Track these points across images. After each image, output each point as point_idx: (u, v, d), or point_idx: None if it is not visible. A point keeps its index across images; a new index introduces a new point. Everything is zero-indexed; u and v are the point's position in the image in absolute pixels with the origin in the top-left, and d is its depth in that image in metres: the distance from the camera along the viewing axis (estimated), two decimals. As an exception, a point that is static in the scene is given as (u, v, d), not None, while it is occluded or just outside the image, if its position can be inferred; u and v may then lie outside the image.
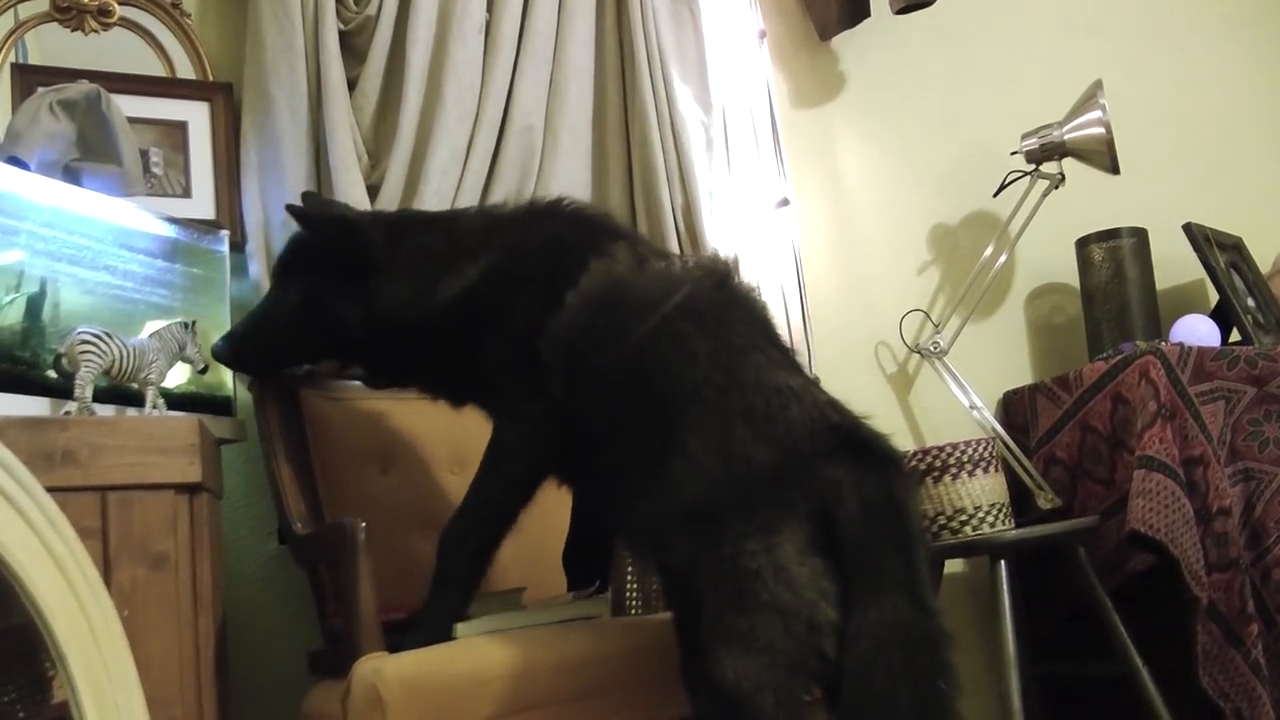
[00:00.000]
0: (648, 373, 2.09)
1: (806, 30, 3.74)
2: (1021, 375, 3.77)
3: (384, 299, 2.38)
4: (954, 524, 3.04)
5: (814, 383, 2.19)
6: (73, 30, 3.01)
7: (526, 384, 2.25)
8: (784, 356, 2.18)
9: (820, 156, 3.72)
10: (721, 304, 2.20)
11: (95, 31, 3.03)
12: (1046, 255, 3.82)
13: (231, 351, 2.51)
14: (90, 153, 2.66)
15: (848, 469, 1.89)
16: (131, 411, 2.35)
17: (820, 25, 3.69)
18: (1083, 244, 3.67)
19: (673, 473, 1.96)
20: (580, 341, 2.20)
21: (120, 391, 2.36)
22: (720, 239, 3.16)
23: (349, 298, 2.40)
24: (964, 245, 3.78)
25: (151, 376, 2.34)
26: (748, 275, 2.37)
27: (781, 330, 3.18)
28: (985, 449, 3.08)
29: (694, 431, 1.97)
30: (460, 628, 2.23)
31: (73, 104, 2.67)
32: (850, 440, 1.95)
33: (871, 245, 3.71)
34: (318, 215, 2.48)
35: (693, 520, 1.90)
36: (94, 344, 2.23)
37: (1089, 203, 3.71)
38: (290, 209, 2.48)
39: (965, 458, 3.05)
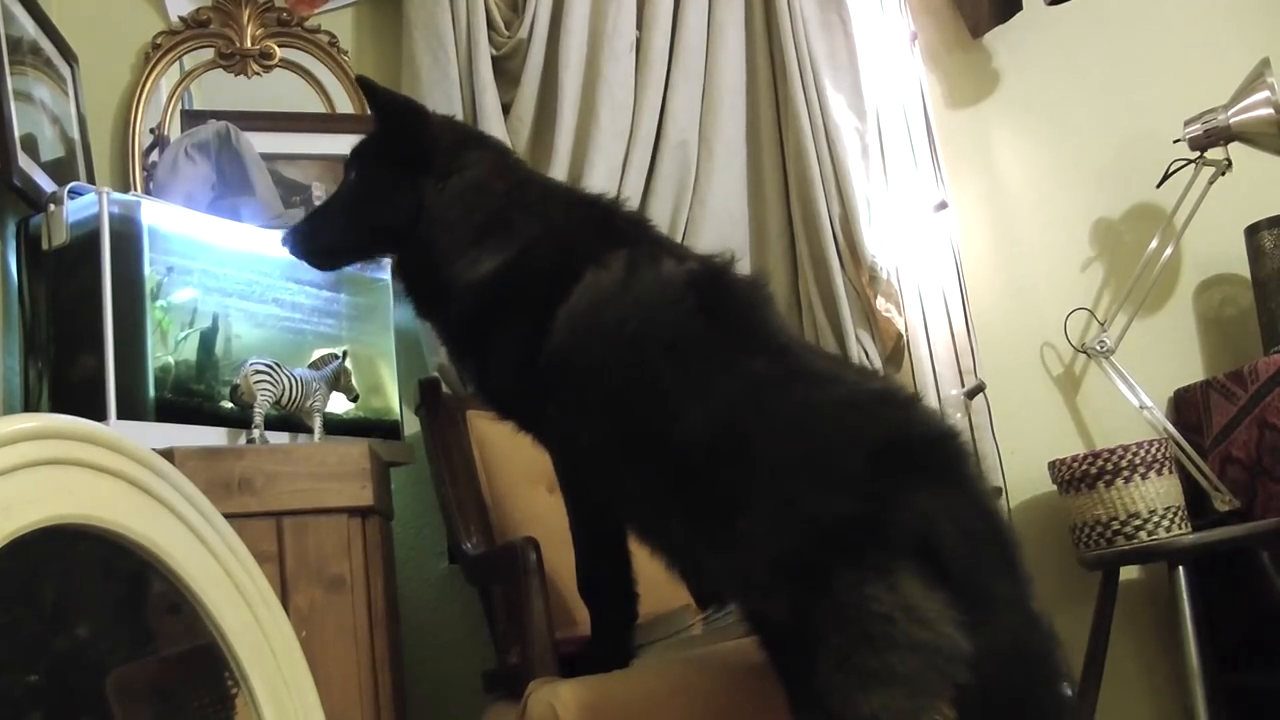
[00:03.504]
0: (650, 425, 1.91)
1: (958, 29, 3.68)
2: (1193, 372, 3.64)
3: (432, 211, 2.16)
4: (1128, 529, 2.96)
5: (844, 370, 2.06)
6: (236, 75, 3.12)
7: (535, 409, 2.11)
8: (796, 362, 1.96)
9: (977, 156, 3.65)
10: (706, 336, 1.96)
11: (258, 74, 3.13)
12: (1214, 245, 3.68)
13: (293, 241, 2.32)
14: (228, 187, 2.75)
15: (931, 495, 1.78)
16: (302, 439, 2.42)
17: (972, 23, 3.64)
18: (1252, 231, 3.53)
19: (743, 528, 1.81)
20: (566, 369, 2.00)
21: (285, 420, 2.42)
22: (879, 246, 3.12)
23: (402, 190, 2.19)
24: (1128, 239, 3.68)
25: (317, 405, 2.41)
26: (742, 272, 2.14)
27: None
28: (1158, 450, 3.01)
29: (745, 484, 1.82)
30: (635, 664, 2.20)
31: (205, 145, 2.77)
32: (920, 455, 1.83)
33: (1032, 244, 3.63)
34: (386, 94, 2.26)
35: (788, 570, 1.77)
36: (267, 375, 2.31)
37: (1258, 188, 3.57)
38: (359, 78, 2.37)
39: (1137, 460, 2.98)
